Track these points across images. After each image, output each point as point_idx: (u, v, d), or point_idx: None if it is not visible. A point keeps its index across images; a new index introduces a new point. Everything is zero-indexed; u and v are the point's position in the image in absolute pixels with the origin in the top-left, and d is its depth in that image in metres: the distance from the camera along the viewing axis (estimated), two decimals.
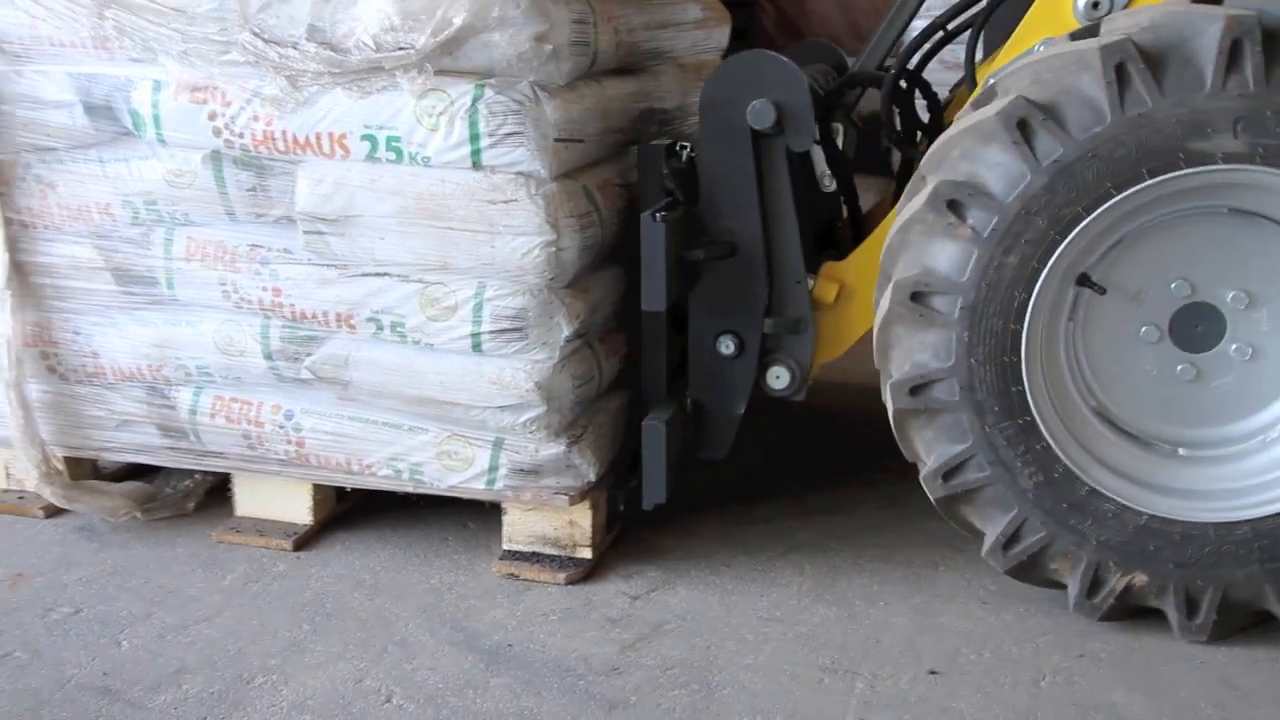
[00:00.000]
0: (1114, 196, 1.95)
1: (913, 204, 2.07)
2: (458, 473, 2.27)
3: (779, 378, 2.35)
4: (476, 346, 2.17)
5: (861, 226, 2.61)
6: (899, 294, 2.05)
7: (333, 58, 2.10)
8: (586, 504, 2.27)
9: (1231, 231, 2.09)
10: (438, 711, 1.91)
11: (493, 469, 2.25)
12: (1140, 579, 2.10)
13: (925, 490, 2.15)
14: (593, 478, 2.27)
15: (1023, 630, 2.17)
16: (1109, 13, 2.18)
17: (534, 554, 2.32)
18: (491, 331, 2.15)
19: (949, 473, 2.10)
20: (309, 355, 2.29)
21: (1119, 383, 2.18)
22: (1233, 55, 1.86)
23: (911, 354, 2.08)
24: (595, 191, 2.25)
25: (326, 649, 2.09)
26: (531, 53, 2.06)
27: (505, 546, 2.35)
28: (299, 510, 2.46)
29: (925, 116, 2.75)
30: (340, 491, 2.54)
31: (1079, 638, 2.14)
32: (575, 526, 2.29)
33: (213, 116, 2.19)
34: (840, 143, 2.48)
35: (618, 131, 2.40)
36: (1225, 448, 2.19)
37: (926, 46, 2.68)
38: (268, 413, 2.36)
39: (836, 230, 2.69)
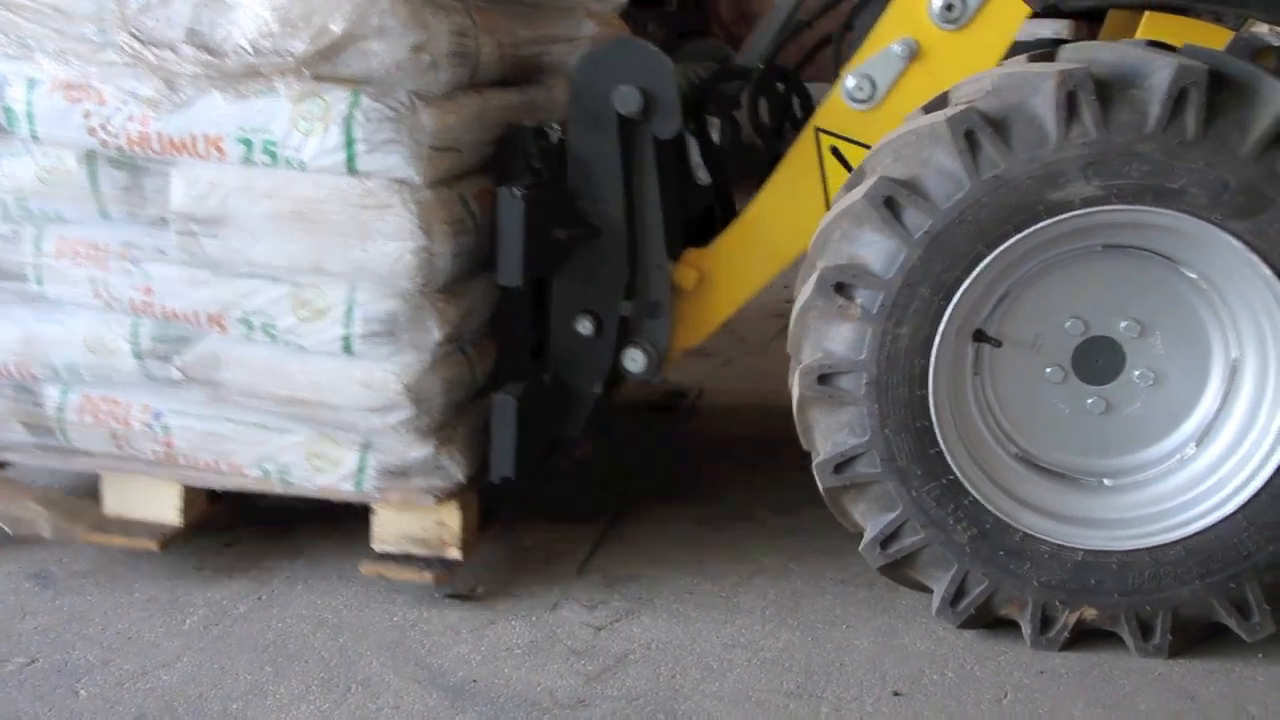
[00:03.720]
0: (987, 256, 2.07)
1: (804, 290, 2.19)
2: (326, 474, 2.29)
3: (634, 360, 2.45)
4: (347, 349, 2.20)
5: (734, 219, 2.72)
6: (807, 379, 2.16)
7: (210, 61, 2.13)
8: (455, 505, 2.31)
9: (1110, 265, 2.23)
10: None
11: (361, 470, 2.27)
12: (1090, 612, 2.20)
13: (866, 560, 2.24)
14: (462, 479, 2.31)
15: (984, 648, 2.24)
16: (961, 15, 2.34)
17: (404, 555, 2.35)
18: (362, 334, 2.18)
19: (885, 541, 2.20)
20: (179, 355, 2.29)
21: (1035, 426, 2.30)
22: (1070, 107, 2.00)
23: (830, 434, 2.19)
24: (471, 200, 2.31)
25: (289, 691, 2.08)
26: (409, 62, 2.12)
27: (375, 547, 2.37)
28: (168, 511, 2.45)
29: None
30: (214, 493, 2.54)
31: (1040, 655, 2.22)
32: (444, 527, 2.33)
33: (87, 115, 2.20)
34: (716, 137, 2.58)
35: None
36: (1146, 472, 2.31)
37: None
38: (136, 412, 2.35)
39: (714, 222, 2.78)
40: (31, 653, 2.19)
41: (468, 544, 2.37)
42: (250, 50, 2.12)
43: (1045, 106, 2.01)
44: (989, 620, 2.25)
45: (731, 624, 2.32)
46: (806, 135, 2.55)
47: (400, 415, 2.21)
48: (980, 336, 2.23)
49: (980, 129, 2.02)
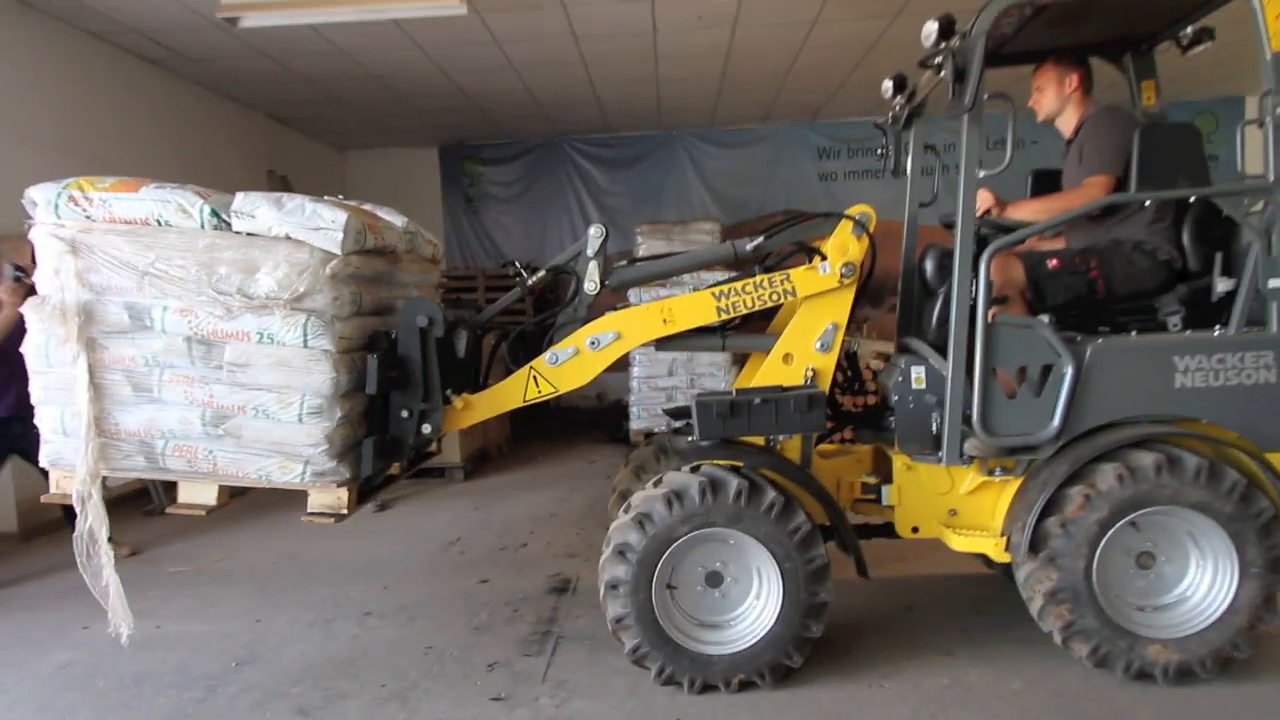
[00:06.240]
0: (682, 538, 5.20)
1: (606, 554, 5.23)
2: (286, 475, 5.20)
3: (426, 429, 5.44)
4: (300, 420, 5.16)
5: (487, 381, 5.83)
6: (606, 584, 5.26)
7: (247, 300, 5.15)
8: (345, 490, 5.26)
9: (708, 545, 5.31)
10: None
11: (303, 473, 5.19)
12: (741, 676, 5.04)
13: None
14: (348, 477, 5.26)
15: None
16: (598, 344, 5.49)
17: (322, 513, 5.27)
18: (307, 413, 5.15)
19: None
20: (223, 425, 5.22)
21: (704, 610, 5.17)
22: (713, 488, 5.12)
23: (613, 605, 5.21)
24: (357, 359, 5.34)
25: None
26: (331, 304, 5.17)
27: (309, 509, 5.28)
28: (210, 498, 5.33)
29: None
30: (233, 491, 5.42)
31: (724, 696, 5.00)
32: (340, 500, 5.26)
33: (190, 322, 5.17)
34: (467, 343, 5.75)
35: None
36: (742, 616, 5.15)
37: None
38: (200, 451, 5.25)
39: (478, 382, 5.90)
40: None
41: (350, 508, 5.31)
42: (264, 296, 5.15)
43: (695, 491, 5.12)
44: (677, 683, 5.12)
45: (630, 698, 5.06)
46: (527, 367, 5.35)
47: (322, 448, 5.17)
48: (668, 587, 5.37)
49: (673, 497, 5.12)
